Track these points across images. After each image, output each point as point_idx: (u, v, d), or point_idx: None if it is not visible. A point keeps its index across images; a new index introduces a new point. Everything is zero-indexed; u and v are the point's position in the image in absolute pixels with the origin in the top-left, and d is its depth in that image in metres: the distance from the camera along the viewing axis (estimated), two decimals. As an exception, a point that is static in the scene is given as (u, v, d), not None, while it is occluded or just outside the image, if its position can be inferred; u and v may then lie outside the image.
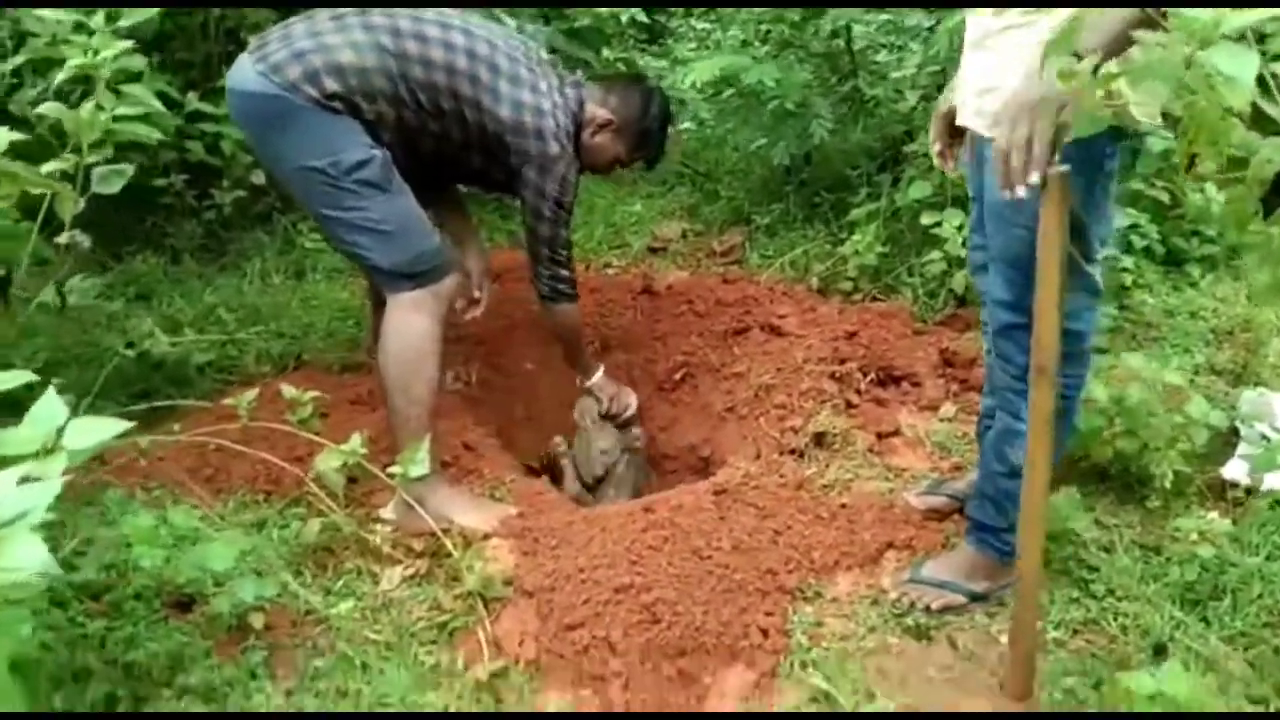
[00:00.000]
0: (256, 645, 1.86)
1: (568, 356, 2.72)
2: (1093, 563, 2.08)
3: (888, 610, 1.99)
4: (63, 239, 1.90)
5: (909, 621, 1.96)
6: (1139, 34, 1.21)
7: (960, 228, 2.88)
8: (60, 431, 1.17)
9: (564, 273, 2.47)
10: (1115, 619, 1.95)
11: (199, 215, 3.38)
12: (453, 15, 2.24)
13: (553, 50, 2.96)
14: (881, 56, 3.70)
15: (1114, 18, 1.33)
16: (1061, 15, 1.39)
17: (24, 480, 1.04)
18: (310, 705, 1.77)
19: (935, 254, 2.96)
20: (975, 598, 1.99)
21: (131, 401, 2.57)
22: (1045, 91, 1.38)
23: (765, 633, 1.90)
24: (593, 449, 2.66)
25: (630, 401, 2.77)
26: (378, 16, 2.14)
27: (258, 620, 1.87)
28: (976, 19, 1.71)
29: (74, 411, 2.30)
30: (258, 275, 3.34)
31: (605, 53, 4.07)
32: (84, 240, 1.96)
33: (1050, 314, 1.52)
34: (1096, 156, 1.60)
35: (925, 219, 3.00)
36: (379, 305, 2.39)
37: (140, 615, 1.90)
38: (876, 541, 2.15)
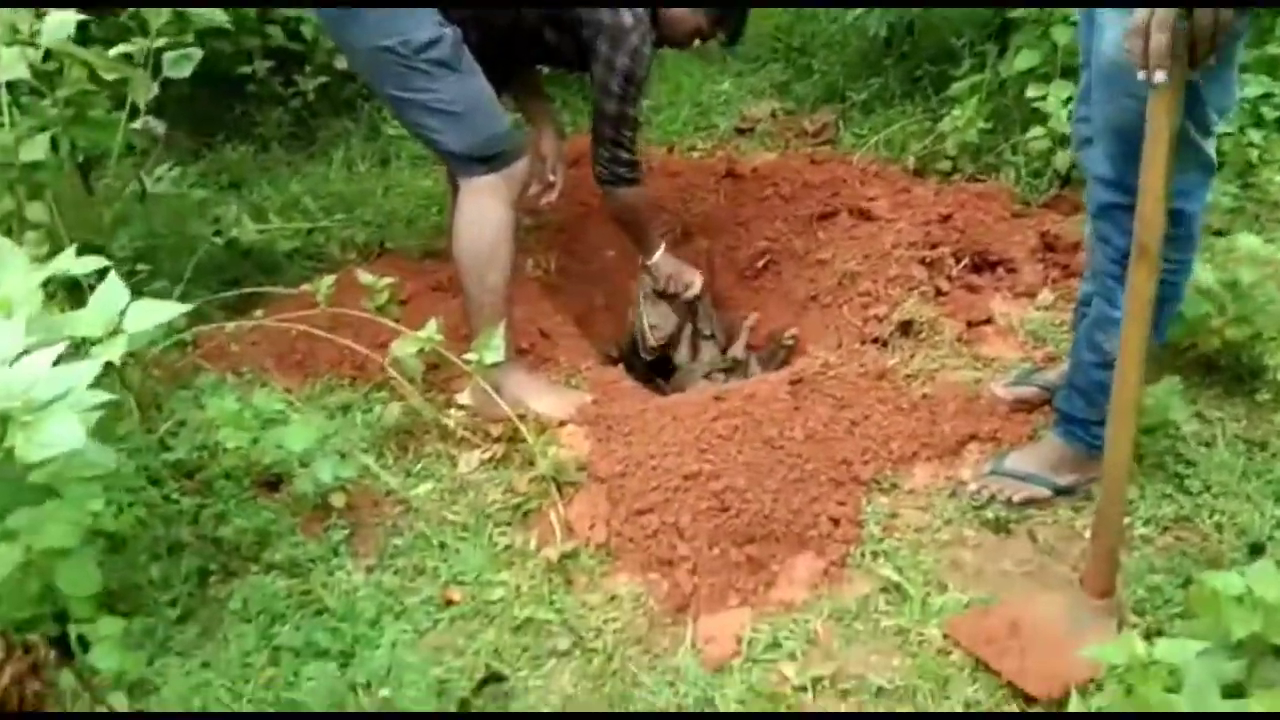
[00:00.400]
0: (338, 524, 1.94)
1: (632, 240, 2.65)
2: (1191, 457, 1.97)
3: (966, 503, 1.93)
4: (138, 124, 1.92)
5: (988, 514, 1.90)
6: None
7: (1067, 101, 2.67)
8: (122, 314, 1.19)
9: (624, 155, 2.37)
10: (1210, 516, 1.86)
11: (285, 103, 3.40)
12: None
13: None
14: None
15: None
16: None
17: (60, 360, 1.07)
18: (389, 582, 1.84)
19: (1039, 130, 2.76)
20: (1060, 491, 1.92)
21: (222, 288, 2.64)
22: None
23: (836, 522, 1.87)
24: (643, 322, 2.63)
25: (692, 280, 2.69)
26: None
27: (339, 500, 1.93)
28: None
29: (167, 298, 2.42)
30: (343, 163, 3.35)
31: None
32: (158, 126, 1.97)
33: (1156, 188, 1.39)
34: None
35: (1031, 91, 2.80)
36: (458, 190, 2.38)
37: (230, 493, 1.99)
38: (958, 433, 2.08)
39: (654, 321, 2.65)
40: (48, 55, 1.86)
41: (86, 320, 1.17)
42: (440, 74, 2.06)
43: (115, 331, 1.17)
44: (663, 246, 2.66)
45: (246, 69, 3.22)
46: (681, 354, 2.75)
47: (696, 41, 2.50)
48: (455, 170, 2.22)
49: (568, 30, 2.24)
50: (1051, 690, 1.54)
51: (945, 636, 1.66)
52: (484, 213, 2.15)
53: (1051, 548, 1.83)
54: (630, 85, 2.26)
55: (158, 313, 1.19)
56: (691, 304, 2.72)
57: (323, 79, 3.31)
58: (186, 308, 1.23)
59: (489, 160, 2.13)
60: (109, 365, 1.29)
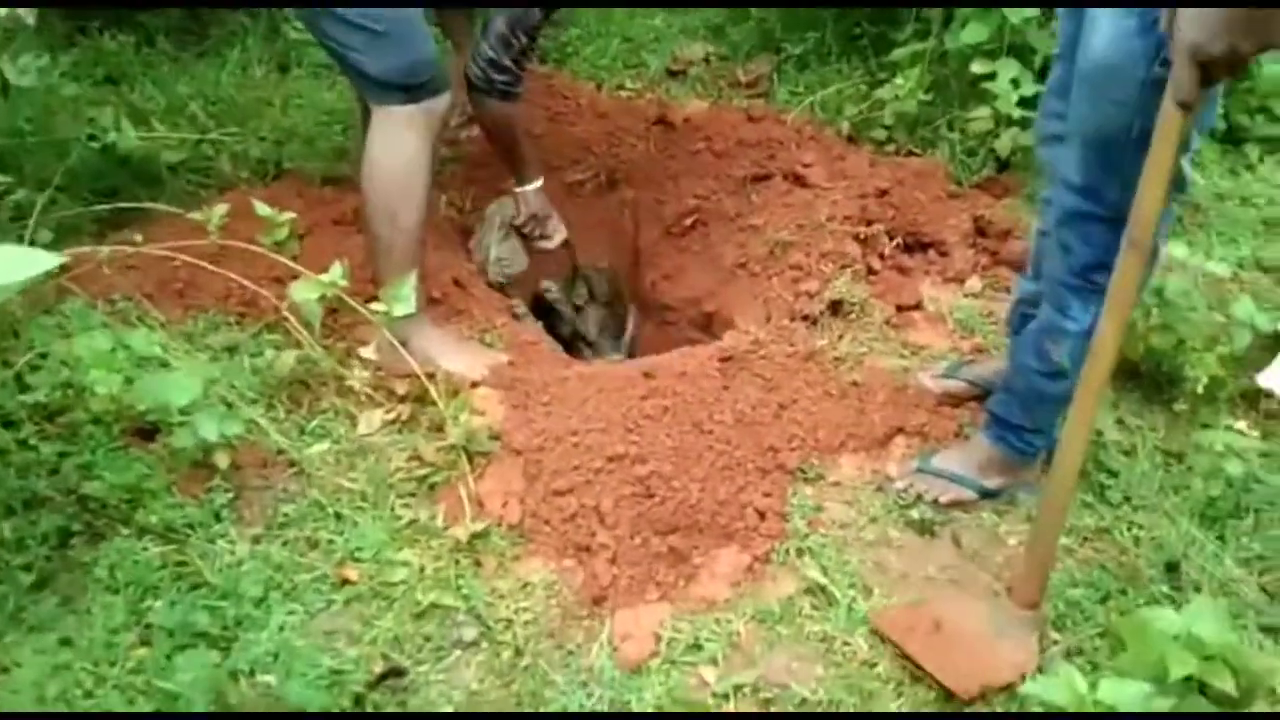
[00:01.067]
0: (221, 485, 1.75)
1: (503, 160, 2.44)
2: (1112, 466, 1.97)
3: (892, 500, 1.89)
4: (1, 11, 1.64)
5: (914, 514, 1.86)
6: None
7: (1015, 82, 2.62)
8: (-25, 267, 0.98)
9: (506, 62, 2.16)
10: (1129, 529, 1.86)
11: (175, -9, 3.05)
12: None
13: None
14: None
15: None
16: None
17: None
18: (277, 555, 1.68)
19: (983, 110, 2.70)
20: (986, 494, 1.89)
21: (96, 199, 2.37)
22: None
23: (762, 515, 1.80)
24: (489, 252, 2.46)
25: (554, 235, 2.53)
26: None
27: (223, 459, 1.74)
28: None
29: (32, 208, 2.13)
30: (237, 65, 3.04)
31: None
32: (28, 15, 1.69)
33: (1156, 185, 1.32)
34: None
35: (976, 67, 2.72)
36: (369, 114, 2.15)
37: (99, 441, 1.78)
38: (886, 424, 2.02)
39: (502, 255, 2.46)
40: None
41: (-71, 269, 0.96)
42: None
43: (-33, 285, 0.97)
44: (539, 181, 2.45)
45: (133, -51, 2.86)
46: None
47: None
48: (369, 96, 1.99)
49: None
50: (970, 689, 1.52)
51: (872, 632, 1.62)
52: (399, 145, 1.95)
53: (976, 553, 1.80)
54: None
55: (27, 264, 0.99)
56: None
57: (220, -32, 2.98)
58: (62, 259, 1.03)
59: (409, 89, 1.92)
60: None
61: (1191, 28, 1.18)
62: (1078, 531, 1.84)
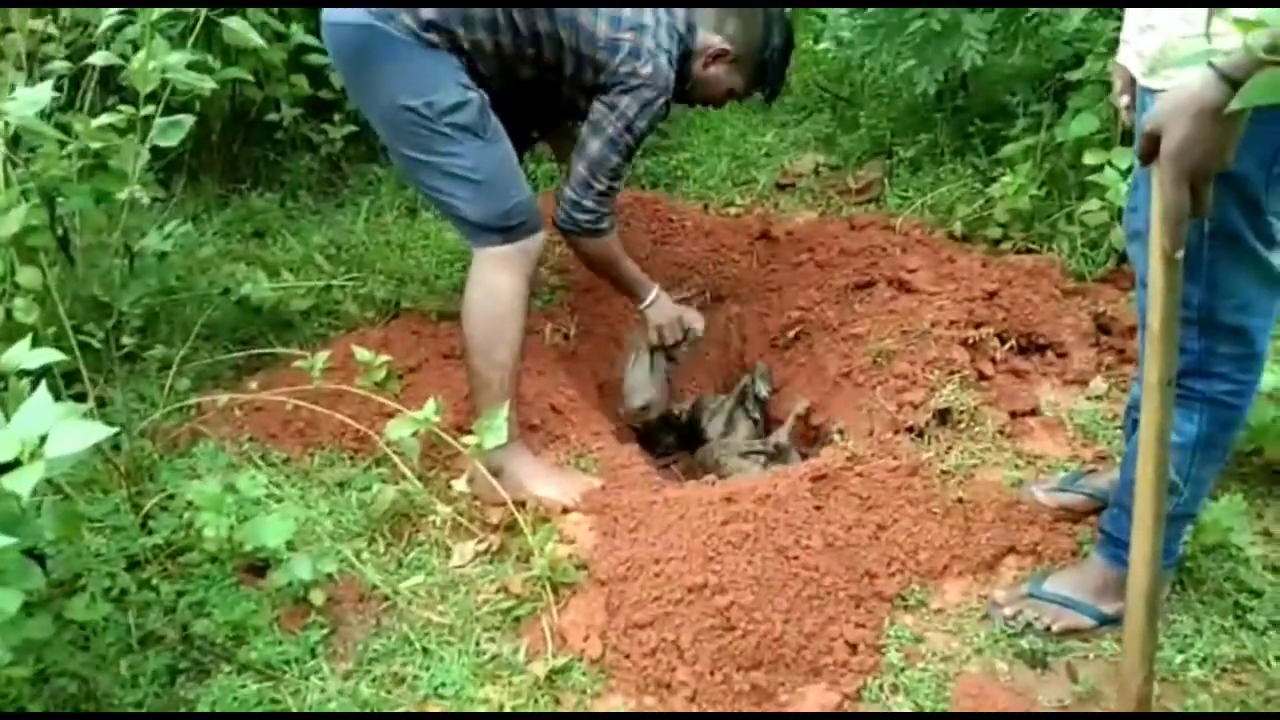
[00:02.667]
0: (318, 621, 1.81)
1: (616, 289, 2.48)
2: (1255, 585, 1.77)
3: (999, 629, 1.75)
4: (123, 195, 1.84)
5: (1023, 644, 1.72)
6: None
7: (1127, 171, 2.49)
8: (44, 438, 1.08)
9: (589, 203, 2.17)
10: (1278, 659, 1.65)
11: (315, 150, 3.33)
12: None
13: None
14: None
15: None
16: None
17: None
18: (365, 691, 1.71)
19: (1095, 203, 2.57)
20: (1105, 621, 1.73)
21: (234, 347, 2.58)
22: (1207, 93, 1.06)
23: (854, 647, 1.70)
24: (625, 383, 2.47)
25: (695, 327, 2.49)
26: None
27: (318, 596, 1.81)
28: None
29: (172, 360, 2.33)
30: (370, 212, 3.27)
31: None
32: (144, 196, 1.90)
33: (1170, 328, 1.22)
34: (1277, 117, 1.25)
35: (1089, 158, 2.61)
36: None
37: (214, 579, 1.88)
38: (994, 544, 1.90)
39: (632, 383, 2.45)
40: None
41: (4, 440, 1.07)
42: (464, 139, 1.98)
43: (34, 455, 1.06)
44: (655, 290, 2.43)
45: (274, 116, 3.16)
46: (715, 425, 2.59)
47: (732, 100, 2.40)
48: (468, 239, 2.11)
49: (591, 90, 2.12)
50: None
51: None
52: (497, 285, 2.05)
53: (1093, 688, 1.64)
54: (627, 134, 2.11)
55: (84, 436, 1.08)
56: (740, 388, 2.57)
57: (352, 128, 3.24)
58: (112, 431, 1.12)
59: (506, 231, 2.03)
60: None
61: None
62: (1214, 661, 1.65)
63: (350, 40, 1.98)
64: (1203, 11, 1.03)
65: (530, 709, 1.66)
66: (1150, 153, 1.16)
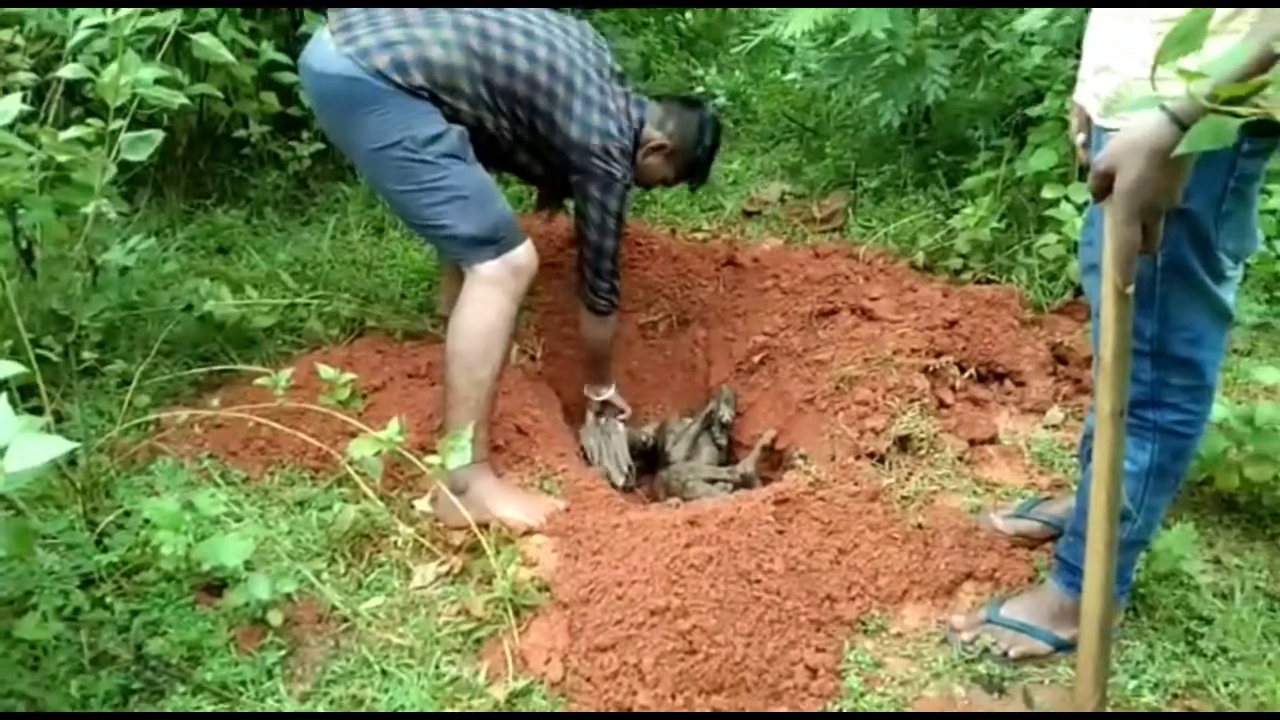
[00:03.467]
0: (275, 642, 1.79)
1: (591, 366, 2.68)
2: (1205, 612, 1.81)
3: (957, 654, 1.77)
4: (89, 209, 1.83)
5: (980, 669, 1.74)
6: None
7: (1084, 206, 2.55)
8: (1, 451, 1.07)
9: (618, 284, 2.47)
10: (1226, 685, 1.68)
11: (283, 167, 3.32)
12: (535, 21, 2.19)
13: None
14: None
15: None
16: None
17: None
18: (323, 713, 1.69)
19: (1052, 237, 2.63)
20: (1061, 646, 1.76)
21: (194, 364, 2.55)
22: (1159, 134, 1.10)
23: (814, 671, 1.71)
24: (604, 466, 2.61)
25: (623, 408, 2.75)
26: (468, 16, 2.12)
27: (276, 617, 1.79)
28: None
29: (132, 375, 2.30)
30: (337, 231, 3.26)
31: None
32: (109, 210, 1.88)
33: (1122, 360, 1.26)
34: (1225, 158, 1.30)
35: (1047, 192, 2.67)
36: (457, 269, 2.29)
37: (170, 598, 1.85)
38: (953, 570, 1.92)
39: (605, 468, 2.62)
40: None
41: (-38, 455, 1.05)
42: (448, 163, 2.07)
43: (-8, 469, 1.05)
44: (614, 387, 2.71)
45: (242, 133, 3.15)
46: (680, 449, 2.61)
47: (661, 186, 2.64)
48: (463, 258, 2.14)
49: (542, 160, 2.30)
50: None
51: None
52: (489, 303, 2.10)
53: (1048, 714, 1.66)
54: (620, 223, 2.36)
55: (42, 450, 1.07)
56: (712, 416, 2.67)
57: (319, 145, 3.23)
58: (72, 446, 1.11)
59: (497, 243, 2.10)
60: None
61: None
62: (1166, 687, 1.68)
63: (341, 91, 2.04)
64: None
65: (490, 732, 1.65)
66: (1104, 190, 1.20)
